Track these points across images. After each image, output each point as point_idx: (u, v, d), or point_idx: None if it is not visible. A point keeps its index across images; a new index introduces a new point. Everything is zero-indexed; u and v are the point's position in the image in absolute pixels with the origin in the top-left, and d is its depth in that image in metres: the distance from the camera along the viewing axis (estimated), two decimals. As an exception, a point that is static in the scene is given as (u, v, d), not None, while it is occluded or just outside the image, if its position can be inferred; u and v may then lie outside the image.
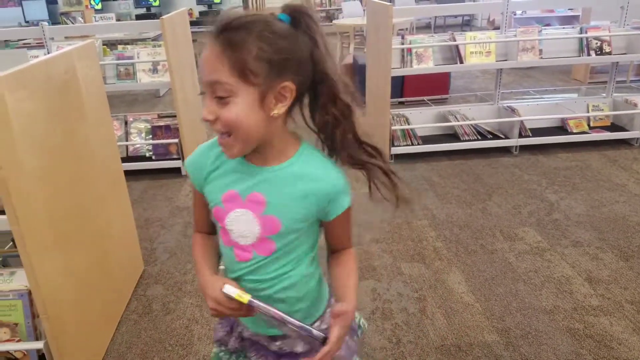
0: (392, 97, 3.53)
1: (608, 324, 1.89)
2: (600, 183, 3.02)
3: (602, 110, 3.64)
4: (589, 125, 3.61)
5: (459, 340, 1.84)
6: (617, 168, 3.20)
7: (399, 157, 3.53)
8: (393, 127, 3.48)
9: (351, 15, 7.42)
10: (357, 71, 5.01)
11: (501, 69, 3.64)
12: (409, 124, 3.58)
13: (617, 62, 3.64)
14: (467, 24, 10.07)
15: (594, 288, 2.09)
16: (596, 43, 3.38)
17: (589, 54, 3.40)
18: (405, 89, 4.79)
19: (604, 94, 3.80)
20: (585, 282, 2.13)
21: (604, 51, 3.38)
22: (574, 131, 3.56)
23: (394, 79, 3.40)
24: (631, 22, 3.51)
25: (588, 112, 3.64)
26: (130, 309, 2.11)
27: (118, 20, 7.11)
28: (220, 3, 8.03)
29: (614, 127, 3.62)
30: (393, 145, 3.49)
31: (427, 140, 3.59)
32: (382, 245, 2.49)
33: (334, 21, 7.91)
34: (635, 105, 3.50)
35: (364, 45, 5.41)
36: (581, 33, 3.41)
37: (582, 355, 1.75)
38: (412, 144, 3.53)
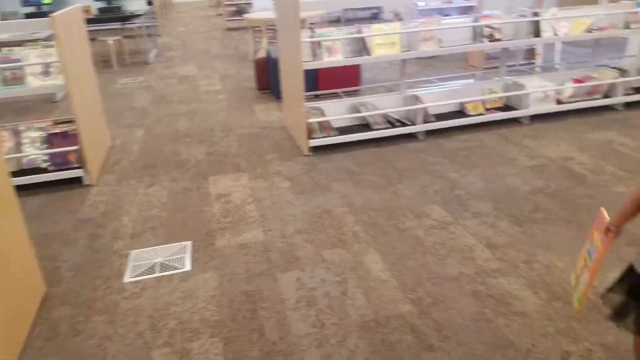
0: (307, 90, 3.65)
1: (506, 283, 2.14)
2: (494, 159, 3.34)
3: (496, 92, 4.01)
4: (484, 107, 3.96)
5: (377, 315, 2.00)
6: (509, 144, 3.56)
7: (317, 149, 3.67)
8: (309, 120, 3.60)
9: (262, 9, 7.45)
10: (270, 65, 5.09)
11: (405, 59, 3.88)
12: (324, 116, 3.72)
13: (507, 48, 4.02)
14: (375, 17, 10.45)
15: (493, 253, 2.34)
16: (488, 31, 3.70)
17: (481, 41, 3.72)
18: (320, 82, 4.93)
19: (497, 78, 4.17)
20: (485, 248, 2.38)
21: (494, 38, 3.71)
22: (472, 114, 3.89)
23: (307, 72, 3.51)
24: (517, 11, 3.88)
25: (483, 95, 3.98)
26: (33, 335, 2.01)
27: (4, 19, 6.61)
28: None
29: (506, 108, 3.99)
30: (311, 138, 3.62)
31: (342, 131, 3.75)
32: (304, 236, 2.60)
33: (244, 15, 7.90)
34: (523, 86, 3.89)
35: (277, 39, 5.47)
36: (474, 22, 3.72)
37: (485, 314, 1.97)
38: (329, 135, 3.67)
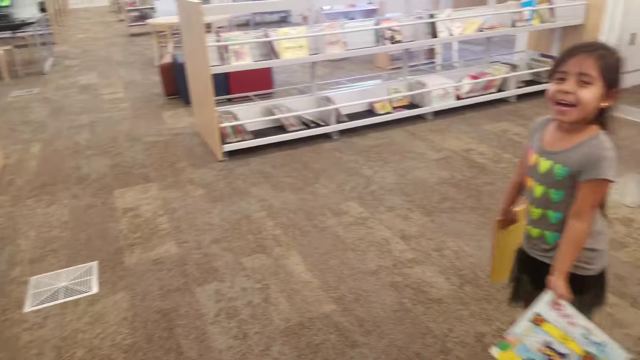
0: (218, 94, 3.55)
1: (421, 272, 2.23)
2: (404, 154, 3.48)
3: (400, 91, 4.18)
4: (391, 106, 4.12)
5: (301, 317, 1.99)
6: (416, 139, 3.73)
7: (232, 154, 3.59)
8: (222, 124, 3.52)
9: (166, 13, 7.18)
10: (178, 70, 4.91)
11: (315, 62, 3.92)
12: (237, 120, 3.66)
13: (408, 49, 4.20)
14: (283, 20, 10.49)
15: (407, 243, 2.43)
16: (389, 33, 3.85)
17: (384, 44, 3.86)
18: (231, 86, 4.85)
19: (401, 78, 4.35)
20: (400, 240, 2.47)
21: (395, 40, 3.87)
22: (380, 112, 4.03)
23: (217, 76, 3.43)
24: (415, 13, 4.07)
25: (389, 94, 4.14)
26: None
27: None
28: (9, 6, 7.08)
29: (411, 106, 4.18)
30: (225, 143, 3.54)
31: (257, 134, 3.71)
32: (223, 244, 2.53)
33: (148, 20, 7.57)
34: (425, 84, 4.09)
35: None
36: (376, 25, 3.85)
37: (404, 304, 2.03)
38: (244, 139, 3.62)
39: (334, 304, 2.06)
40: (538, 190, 1.28)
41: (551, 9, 4.37)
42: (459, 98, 4.23)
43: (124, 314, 2.08)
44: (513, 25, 4.27)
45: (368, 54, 4.79)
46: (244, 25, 9.97)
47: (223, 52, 3.39)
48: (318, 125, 3.82)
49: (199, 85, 3.68)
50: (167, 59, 5.29)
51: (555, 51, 4.73)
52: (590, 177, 1.17)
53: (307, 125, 3.83)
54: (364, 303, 2.05)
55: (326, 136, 3.85)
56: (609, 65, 1.16)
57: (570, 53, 1.18)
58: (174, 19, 6.30)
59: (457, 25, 4.05)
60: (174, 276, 2.31)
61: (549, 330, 1.20)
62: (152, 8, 9.17)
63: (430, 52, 5.98)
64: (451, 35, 4.04)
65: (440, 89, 4.10)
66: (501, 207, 1.52)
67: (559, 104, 1.19)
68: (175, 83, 5.11)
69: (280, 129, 3.82)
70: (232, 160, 3.54)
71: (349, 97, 4.07)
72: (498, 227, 1.53)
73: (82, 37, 9.87)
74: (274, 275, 2.26)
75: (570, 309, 1.18)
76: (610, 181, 1.18)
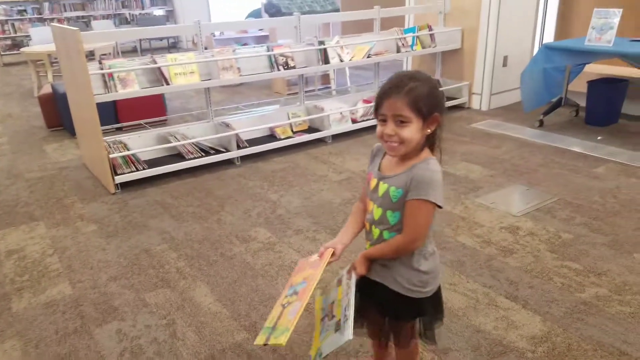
0: (106, 123, 3.37)
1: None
2: (308, 177, 3.56)
3: (300, 116, 4.29)
4: (292, 130, 4.20)
5: (212, 350, 1.92)
6: (318, 162, 3.84)
7: (125, 185, 3.41)
8: (112, 155, 3.33)
9: (43, 41, 6.70)
10: (59, 100, 4.59)
11: (209, 88, 3.89)
12: (128, 150, 3.49)
13: (303, 75, 4.34)
14: (173, 46, 10.28)
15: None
16: (282, 59, 3.95)
17: (278, 69, 3.95)
18: (120, 114, 4.63)
19: (299, 103, 4.47)
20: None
21: (289, 65, 3.98)
22: (282, 137, 4.09)
23: (102, 105, 3.26)
24: (306, 39, 4.22)
25: (289, 119, 4.22)
26: None
27: None
28: None
29: (311, 130, 4.30)
30: (116, 174, 3.34)
31: (152, 163, 3.56)
32: (121, 281, 2.38)
33: (22, 49, 6.99)
34: (322, 109, 4.24)
35: (65, 73, 4.97)
36: (268, 51, 3.93)
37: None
38: (137, 169, 3.45)
39: (246, 332, 2.02)
40: (377, 212, 1.35)
41: (431, 35, 4.80)
42: (354, 121, 4.44)
43: (13, 368, 1.86)
44: (398, 51, 4.61)
45: (264, 79, 4.86)
46: (131, 52, 9.61)
47: (107, 79, 3.24)
48: (218, 152, 3.77)
49: (83, 115, 3.47)
50: (47, 89, 4.92)
51: (438, 74, 5.19)
52: (413, 197, 1.25)
53: (206, 152, 3.76)
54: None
55: (229, 162, 3.81)
56: (420, 98, 1.22)
57: (383, 96, 1.25)
58: (51, 47, 5.90)
59: (347, 52, 4.28)
60: (70, 318, 2.12)
61: (339, 293, 1.39)
62: (27, 36, 8.53)
63: (325, 78, 6.23)
64: (342, 61, 4.25)
65: (337, 113, 4.28)
66: (341, 235, 1.45)
67: (387, 141, 1.27)
68: (57, 114, 4.77)
69: (178, 156, 3.71)
70: (126, 192, 3.36)
71: (248, 122, 4.08)
72: (326, 260, 1.38)
73: (-55, 67, 8.84)
74: (180, 310, 2.17)
75: (352, 283, 1.33)
76: (433, 203, 1.25)
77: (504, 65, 4.95)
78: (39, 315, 2.15)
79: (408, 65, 5.68)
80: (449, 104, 4.99)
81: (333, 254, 1.40)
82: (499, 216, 2.85)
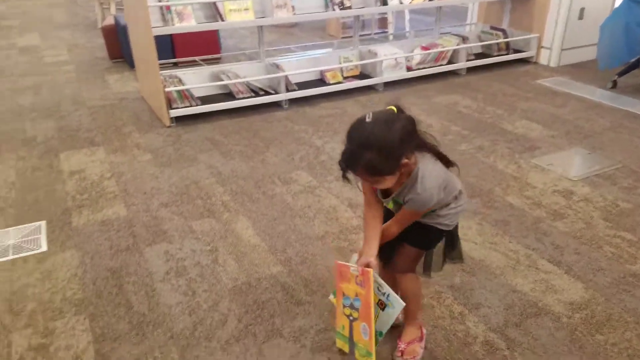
0: (163, 58, 3.44)
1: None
2: (356, 124, 3.52)
3: (351, 61, 4.18)
4: (342, 75, 4.12)
5: (249, 277, 2.02)
6: (367, 110, 3.75)
7: (179, 120, 3.52)
8: (167, 89, 3.42)
9: (110, -28, 6.79)
10: (121, 33, 4.71)
11: (262, 27, 3.85)
12: (182, 85, 3.56)
13: (359, 17, 4.18)
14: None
15: (354, 211, 2.49)
16: (338, -1, 3.82)
17: (333, 9, 3.83)
18: (177, 50, 4.70)
19: (352, 47, 4.35)
20: (347, 208, 2.52)
21: (345, 5, 3.84)
22: (331, 82, 4.03)
23: (161, 39, 3.32)
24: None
25: (340, 63, 4.13)
26: None
27: None
28: None
29: (362, 76, 4.20)
30: (171, 108, 3.45)
31: (205, 100, 3.64)
32: (172, 208, 2.51)
33: (90, -21, 7.15)
34: (376, 54, 4.11)
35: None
36: (324, -12, 3.80)
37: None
38: (191, 105, 3.54)
39: (281, 265, 2.10)
40: (390, 205, 1.50)
41: (501, -17, 4.46)
42: (409, 69, 4.29)
43: (74, 271, 2.07)
44: (464, -2, 4.34)
45: (318, 19, 4.75)
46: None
47: (165, 12, 3.28)
48: (267, 93, 3.79)
49: (142, 48, 3.54)
50: (110, 21, 5.04)
51: (505, 24, 4.86)
52: (406, 207, 1.41)
53: (256, 92, 3.78)
54: (310, 265, 2.10)
55: (277, 105, 3.82)
56: (381, 166, 1.26)
57: (346, 167, 1.30)
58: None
59: (409, -5, 4.07)
60: (123, 237, 2.29)
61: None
62: (95, -34, 8.66)
63: (383, 22, 6.00)
64: (401, 3, 4.05)
65: (392, 59, 4.14)
66: (366, 252, 1.49)
67: None
68: (119, 46, 4.90)
69: (229, 95, 3.76)
70: (180, 126, 3.47)
71: (299, 65, 4.04)
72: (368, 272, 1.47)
73: (21, -5, 9.24)
74: (223, 239, 2.27)
75: (374, 276, 1.48)
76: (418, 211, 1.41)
77: (580, 18, 4.54)
78: (96, 232, 2.32)
79: (474, 13, 5.35)
80: (515, 56, 4.70)
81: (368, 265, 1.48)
82: (554, 179, 2.72)
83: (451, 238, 1.58)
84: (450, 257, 1.62)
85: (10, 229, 2.35)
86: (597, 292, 1.90)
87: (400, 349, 1.62)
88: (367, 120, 1.27)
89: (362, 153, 1.24)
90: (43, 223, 2.39)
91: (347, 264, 1.55)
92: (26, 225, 2.38)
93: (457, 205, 1.47)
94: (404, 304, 1.47)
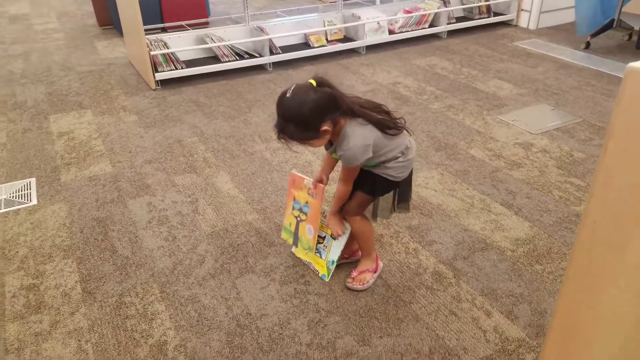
0: (150, 23, 3.52)
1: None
2: (337, 86, 3.64)
3: (336, 24, 4.27)
4: (327, 39, 4.22)
5: (226, 224, 2.20)
6: (348, 73, 3.89)
7: (164, 83, 3.64)
8: (153, 52, 3.53)
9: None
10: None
11: (248, -9, 3.93)
12: (167, 48, 3.67)
13: (343, -18, 4.26)
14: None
15: (328, 164, 2.65)
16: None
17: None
18: (164, 15, 4.77)
19: (337, 11, 4.43)
20: (322, 162, 2.68)
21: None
22: (315, 45, 4.13)
23: (148, 4, 3.41)
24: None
25: (324, 27, 4.23)
26: None
27: None
28: None
29: (346, 39, 4.30)
30: (157, 72, 3.57)
31: (190, 64, 3.75)
32: (155, 165, 2.66)
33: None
34: (359, 17, 4.20)
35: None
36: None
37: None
38: (176, 68, 3.65)
39: (257, 214, 2.27)
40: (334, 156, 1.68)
41: (482, -54, 4.51)
42: (392, 32, 4.38)
43: (62, 221, 2.23)
44: (445, -39, 4.40)
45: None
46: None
47: (153, -23, 3.36)
48: (252, 57, 3.90)
49: (129, 12, 3.63)
50: (100, -13, 5.09)
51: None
52: (342, 165, 1.62)
53: (240, 56, 3.89)
54: (283, 213, 2.27)
55: (261, 68, 3.94)
56: (300, 132, 1.47)
57: (278, 134, 1.52)
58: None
59: (391, -41, 4.13)
60: (109, 191, 2.45)
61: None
62: None
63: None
64: (384, -32, 4.12)
65: (374, 22, 4.23)
66: (320, 173, 1.81)
67: None
68: (108, 12, 4.97)
69: (214, 59, 3.87)
70: (165, 89, 3.60)
71: (284, 28, 4.13)
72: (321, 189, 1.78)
73: (7, -37, 9.15)
74: (203, 191, 2.44)
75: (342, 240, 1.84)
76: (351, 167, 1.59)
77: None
78: (83, 186, 2.49)
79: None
80: (496, 19, 4.78)
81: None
82: (516, 133, 2.88)
83: (403, 190, 1.75)
84: (399, 207, 1.80)
85: (2, 185, 2.50)
86: (541, 230, 2.08)
87: (352, 275, 1.82)
88: (287, 95, 1.47)
89: (284, 124, 1.48)
90: (33, 180, 2.54)
91: (301, 175, 1.86)
92: (17, 182, 2.53)
93: (405, 160, 1.64)
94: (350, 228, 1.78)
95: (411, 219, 2.17)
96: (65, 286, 1.86)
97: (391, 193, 1.74)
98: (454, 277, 1.85)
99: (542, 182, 2.41)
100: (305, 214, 1.87)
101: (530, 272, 1.86)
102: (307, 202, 1.85)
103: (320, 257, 1.88)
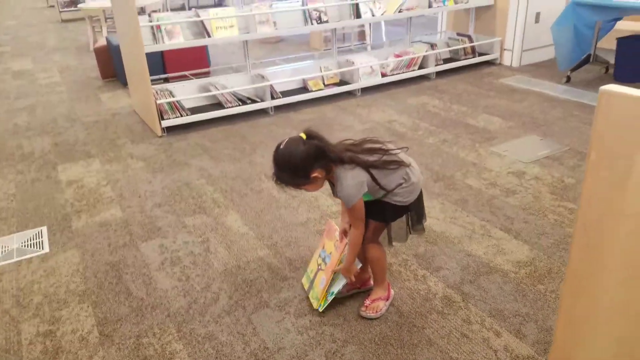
0: (154, 74, 3.71)
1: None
2: (334, 127, 3.81)
3: (331, 69, 4.49)
4: (324, 83, 4.43)
5: (238, 261, 2.28)
6: (346, 114, 4.07)
7: (171, 130, 3.78)
8: (159, 101, 3.70)
9: (98, -2, 7.10)
10: (113, 52, 4.99)
11: (247, 41, 4.15)
12: (173, 97, 3.84)
13: (335, 29, 4.51)
14: (219, 4, 10.54)
15: (334, 200, 2.74)
16: (316, 13, 4.14)
17: (312, 24, 4.15)
18: (167, 66, 4.98)
19: (332, 57, 4.67)
20: (327, 197, 2.78)
21: (322, 20, 4.17)
22: (313, 89, 4.33)
23: (151, 56, 3.59)
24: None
25: (321, 72, 4.44)
26: None
27: None
28: None
29: (342, 83, 4.51)
30: (163, 119, 3.72)
31: (195, 111, 3.92)
32: (165, 208, 2.75)
33: (79, 5, 7.45)
34: (353, 62, 4.43)
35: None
36: (303, 6, 4.12)
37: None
38: (182, 115, 3.81)
39: (268, 249, 2.35)
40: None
41: (463, -8, 4.82)
42: (384, 75, 4.61)
43: (76, 267, 2.29)
44: (430, 6, 4.69)
45: (301, 34, 5.05)
46: (180, 8, 9.94)
47: (156, 31, 3.57)
48: (254, 102, 4.07)
49: (135, 65, 3.82)
50: (102, 42, 5.33)
51: (471, 30, 5.21)
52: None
53: (243, 101, 4.07)
54: (293, 247, 2.36)
55: (263, 112, 4.11)
56: (292, 179, 1.67)
57: (276, 180, 1.70)
58: (106, 3, 6.30)
59: (379, 7, 4.40)
60: (120, 235, 2.52)
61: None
62: (84, -7, 8.97)
63: (362, 35, 6.34)
64: (373, 15, 4.38)
65: (368, 66, 4.46)
66: (341, 226, 1.94)
67: None
68: (111, 65, 5.18)
69: (217, 105, 4.04)
70: (171, 136, 3.74)
71: (283, 74, 4.34)
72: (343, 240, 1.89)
73: (13, 24, 9.52)
74: (214, 231, 2.52)
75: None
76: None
77: (536, 21, 4.92)
78: (94, 232, 2.56)
79: (443, 21, 5.70)
80: (480, 59, 5.05)
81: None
82: (509, 163, 3.02)
83: (416, 213, 1.85)
84: (414, 229, 1.89)
85: (13, 235, 2.55)
86: (540, 252, 2.18)
87: (365, 304, 1.90)
88: (281, 147, 1.66)
89: (279, 172, 1.67)
90: (44, 228, 2.60)
91: (336, 227, 1.96)
92: (29, 230, 2.59)
93: (408, 184, 1.74)
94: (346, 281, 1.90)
95: (417, 247, 2.27)
96: (82, 330, 1.90)
97: (404, 217, 1.84)
98: (463, 301, 1.93)
99: (537, 207, 2.53)
100: (326, 264, 1.95)
101: (534, 292, 1.94)
102: (330, 253, 1.95)
103: (320, 285, 1.94)
